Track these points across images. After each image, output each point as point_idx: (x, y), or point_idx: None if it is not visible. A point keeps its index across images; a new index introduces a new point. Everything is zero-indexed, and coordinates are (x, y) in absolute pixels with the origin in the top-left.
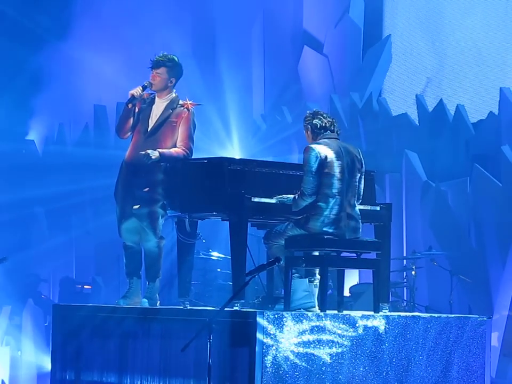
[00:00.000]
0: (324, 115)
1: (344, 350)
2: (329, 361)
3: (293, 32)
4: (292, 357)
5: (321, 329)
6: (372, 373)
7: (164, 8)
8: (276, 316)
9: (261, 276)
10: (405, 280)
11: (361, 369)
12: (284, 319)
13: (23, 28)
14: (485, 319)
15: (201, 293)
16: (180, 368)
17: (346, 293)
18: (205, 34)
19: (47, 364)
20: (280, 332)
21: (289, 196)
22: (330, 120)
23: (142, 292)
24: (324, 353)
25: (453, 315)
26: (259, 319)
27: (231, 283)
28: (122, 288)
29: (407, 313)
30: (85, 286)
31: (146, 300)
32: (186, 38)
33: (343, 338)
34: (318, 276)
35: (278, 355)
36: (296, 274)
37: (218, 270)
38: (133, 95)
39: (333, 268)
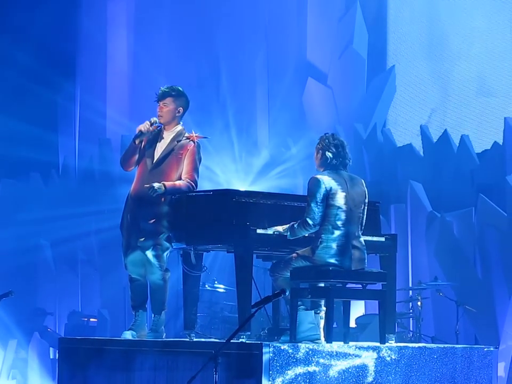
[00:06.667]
0: (339, 149)
1: (351, 381)
2: None
3: (297, 63)
4: None
5: (328, 361)
6: None
7: (168, 41)
8: (282, 348)
9: (266, 308)
10: (411, 310)
11: None
12: (290, 351)
13: (34, 69)
14: (492, 349)
15: (207, 325)
16: None
17: (352, 324)
18: (209, 66)
19: None
20: (286, 363)
21: (284, 226)
22: (343, 155)
23: (148, 325)
24: None
25: (459, 345)
26: (265, 352)
27: (236, 315)
28: (128, 321)
29: (414, 344)
30: (91, 319)
31: (152, 333)
32: (191, 71)
33: (350, 370)
34: (323, 308)
35: None
36: (302, 306)
37: (224, 302)
38: (140, 131)
39: (339, 299)
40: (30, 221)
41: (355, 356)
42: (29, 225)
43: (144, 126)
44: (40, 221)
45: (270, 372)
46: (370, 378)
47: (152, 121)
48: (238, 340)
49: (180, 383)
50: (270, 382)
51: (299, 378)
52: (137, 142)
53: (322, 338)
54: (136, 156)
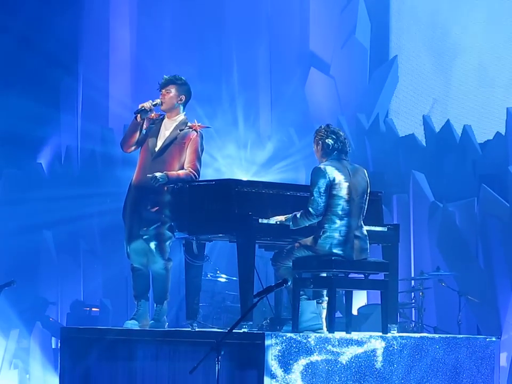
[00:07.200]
0: (338, 135)
1: (353, 371)
2: (338, 382)
3: (299, 54)
4: (300, 379)
5: (330, 351)
6: None
7: (171, 31)
8: (284, 337)
9: (268, 298)
10: (413, 301)
11: None
12: (292, 341)
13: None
14: (494, 339)
15: (209, 315)
16: None
17: (354, 314)
18: (212, 56)
19: None
20: (288, 353)
21: (287, 216)
22: (343, 141)
23: (150, 314)
24: (332, 375)
25: (461, 335)
26: (267, 341)
27: (238, 305)
28: (130, 310)
29: (416, 334)
30: (93, 309)
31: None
32: (194, 60)
33: (352, 359)
34: (326, 297)
35: (286, 377)
36: (304, 296)
37: (226, 292)
38: (143, 107)
39: (341, 289)
40: (32, 205)
41: (357, 346)
42: (30, 209)
43: (146, 104)
44: (42, 210)
45: (272, 362)
46: (372, 368)
47: (155, 102)
48: (240, 329)
49: (182, 373)
50: (272, 372)
51: (301, 368)
52: (138, 118)
53: (325, 328)
54: (137, 135)
